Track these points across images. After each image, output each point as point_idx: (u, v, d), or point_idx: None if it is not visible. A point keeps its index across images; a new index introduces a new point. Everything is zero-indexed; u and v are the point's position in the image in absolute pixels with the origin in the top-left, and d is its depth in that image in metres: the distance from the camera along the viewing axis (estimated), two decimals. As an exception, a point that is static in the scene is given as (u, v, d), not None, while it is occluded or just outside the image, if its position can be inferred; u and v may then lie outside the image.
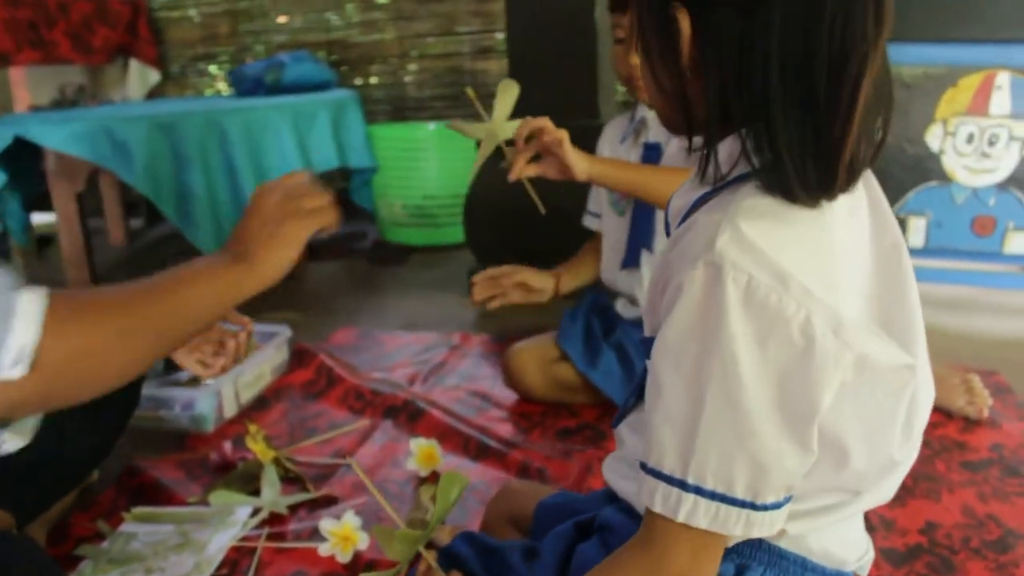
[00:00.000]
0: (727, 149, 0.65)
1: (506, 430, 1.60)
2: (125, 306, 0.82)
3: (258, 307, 2.37)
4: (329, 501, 1.38)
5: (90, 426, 1.23)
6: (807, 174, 0.60)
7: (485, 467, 1.47)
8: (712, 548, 0.64)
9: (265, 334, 1.91)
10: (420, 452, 1.45)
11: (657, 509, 0.63)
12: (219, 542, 1.24)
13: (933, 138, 2.02)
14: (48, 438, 1.15)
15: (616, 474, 0.84)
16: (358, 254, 3.04)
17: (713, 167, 0.66)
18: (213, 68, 3.83)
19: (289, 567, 1.21)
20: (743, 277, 0.59)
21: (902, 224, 2.08)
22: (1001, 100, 1.96)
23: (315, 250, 3.00)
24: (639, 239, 1.62)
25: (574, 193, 2.25)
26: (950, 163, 2.02)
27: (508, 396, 1.76)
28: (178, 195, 2.47)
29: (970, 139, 1.99)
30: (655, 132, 1.59)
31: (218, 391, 1.64)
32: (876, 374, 0.63)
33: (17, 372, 0.71)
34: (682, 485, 0.62)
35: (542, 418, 1.66)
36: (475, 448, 1.52)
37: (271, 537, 1.26)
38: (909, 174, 2.05)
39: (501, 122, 1.43)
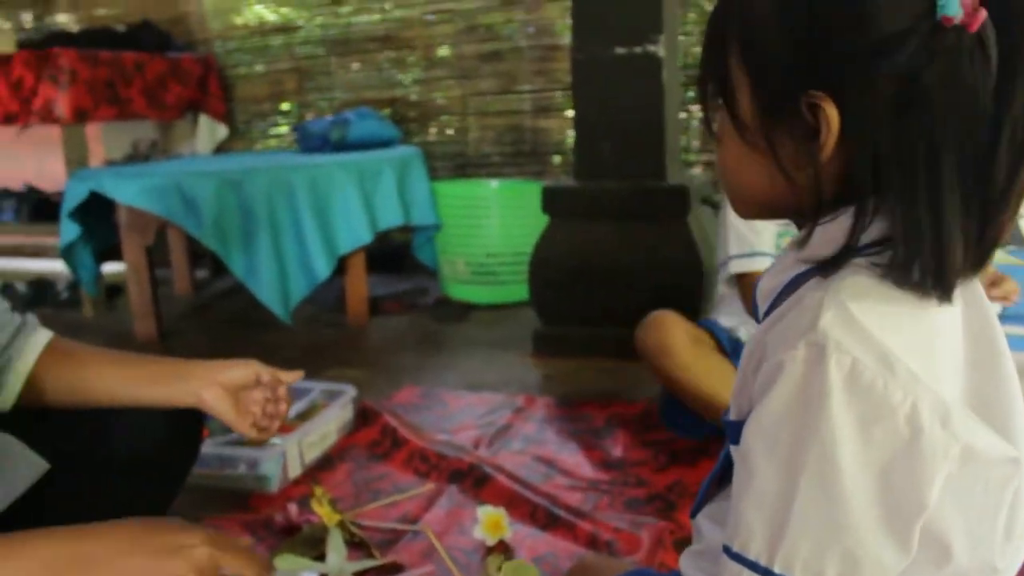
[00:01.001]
0: (833, 229, 0.62)
1: (574, 499, 1.56)
2: None
3: (322, 364, 2.39)
4: (395, 568, 1.36)
5: (148, 487, 1.22)
6: (952, 266, 0.57)
7: (554, 537, 1.44)
8: None
9: (331, 393, 1.91)
10: (487, 520, 1.41)
11: None
12: (285, 610, 1.22)
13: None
14: (104, 497, 1.14)
15: (698, 571, 0.79)
16: (420, 310, 3.04)
17: (815, 247, 0.63)
18: (279, 123, 3.90)
19: (356, 639, 1.18)
20: (847, 359, 0.56)
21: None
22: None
23: (377, 305, 3.01)
24: None
25: (640, 253, 2.24)
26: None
27: (575, 463, 1.72)
28: (245, 251, 2.50)
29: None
30: None
31: (283, 451, 1.63)
32: (980, 466, 0.59)
33: None
34: (767, 573, 0.59)
35: (610, 487, 1.62)
36: (543, 517, 1.49)
37: (337, 607, 1.24)
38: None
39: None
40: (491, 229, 2.99)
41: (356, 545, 1.41)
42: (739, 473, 0.63)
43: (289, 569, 1.31)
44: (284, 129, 3.90)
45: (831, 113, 0.58)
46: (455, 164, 3.60)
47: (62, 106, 3.00)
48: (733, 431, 0.69)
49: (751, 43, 0.64)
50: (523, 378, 2.28)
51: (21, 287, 3.38)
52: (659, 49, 2.20)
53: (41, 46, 3.21)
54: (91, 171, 2.84)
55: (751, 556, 0.59)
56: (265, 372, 1.14)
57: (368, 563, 1.35)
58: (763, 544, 0.59)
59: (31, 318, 1.13)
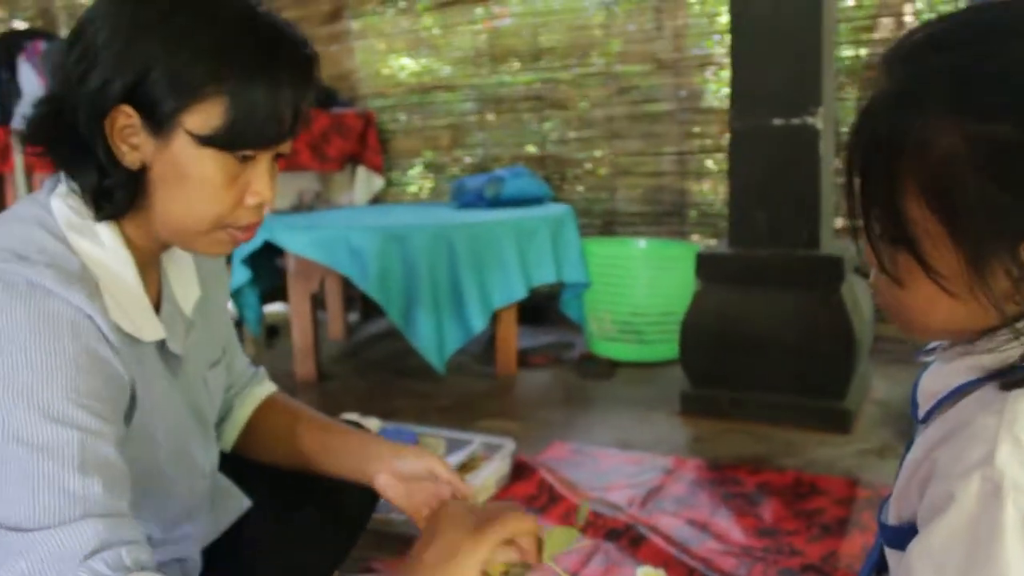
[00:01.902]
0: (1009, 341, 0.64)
1: (728, 564, 1.59)
2: None
3: (473, 416, 2.49)
4: (559, 623, 1.41)
5: (329, 539, 1.32)
6: None
7: (712, 602, 1.47)
8: None
9: (490, 446, 2.00)
10: (647, 579, 1.46)
11: None
12: (459, 655, 1.30)
13: None
14: (293, 541, 1.24)
15: None
16: (566, 364, 3.12)
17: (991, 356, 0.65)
18: (430, 176, 4.09)
19: None
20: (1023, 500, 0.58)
21: None
22: None
23: (524, 358, 3.10)
24: None
25: (792, 321, 2.25)
26: None
27: (727, 528, 1.75)
28: (405, 302, 2.64)
29: None
30: None
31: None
32: None
33: None
34: None
35: (764, 554, 1.64)
36: (700, 580, 1.53)
37: (508, 655, 1.30)
38: None
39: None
40: (638, 288, 3.05)
41: (522, 597, 1.48)
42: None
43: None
44: (431, 183, 4.09)
45: None
46: (604, 221, 3.69)
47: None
48: (890, 534, 0.72)
49: (945, 191, 0.62)
50: (671, 438, 2.32)
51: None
52: (817, 121, 2.23)
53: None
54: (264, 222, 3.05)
55: None
56: (443, 471, 1.10)
57: (534, 615, 1.42)
58: None
59: (262, 370, 1.25)
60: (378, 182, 3.99)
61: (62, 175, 0.89)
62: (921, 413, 0.74)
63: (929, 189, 0.62)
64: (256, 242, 2.87)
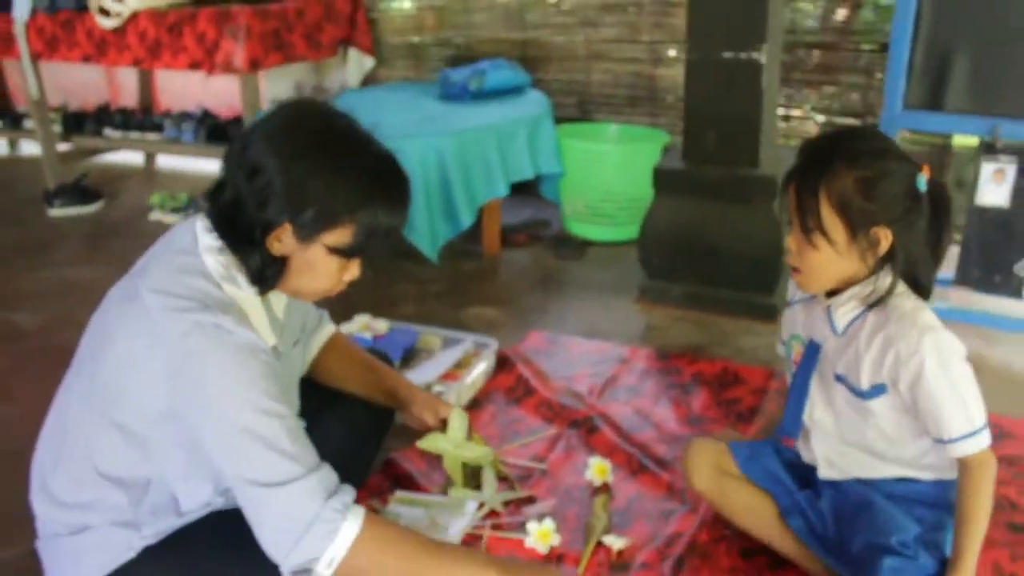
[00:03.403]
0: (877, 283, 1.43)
1: (661, 450, 2.08)
2: (414, 559, 1.31)
3: (462, 303, 2.93)
4: (529, 500, 1.92)
5: (362, 444, 1.82)
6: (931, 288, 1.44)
7: (642, 483, 1.97)
8: None
9: (479, 344, 2.45)
10: (595, 467, 1.96)
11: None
12: (456, 527, 1.80)
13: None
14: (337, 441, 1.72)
15: None
16: (544, 243, 3.54)
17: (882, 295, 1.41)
18: (419, 56, 4.34)
19: (504, 551, 1.75)
20: (942, 334, 1.38)
21: (1022, 282, 2.39)
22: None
23: (507, 237, 3.52)
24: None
25: (732, 229, 2.67)
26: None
27: (664, 417, 2.23)
28: (402, 202, 3.02)
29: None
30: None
31: (447, 400, 2.19)
32: None
33: (327, 572, 1.25)
34: (983, 428, 1.41)
35: (688, 441, 2.12)
36: (636, 465, 2.02)
37: (492, 527, 1.81)
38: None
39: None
40: (608, 176, 3.42)
41: (502, 479, 1.97)
42: (935, 402, 1.38)
43: (458, 497, 1.88)
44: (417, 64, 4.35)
45: (887, 234, 1.37)
46: (580, 101, 4.00)
47: (240, 59, 3.51)
48: (866, 394, 1.45)
49: (845, 205, 1.36)
50: (629, 327, 2.78)
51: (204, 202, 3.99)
52: (761, 56, 2.56)
53: (221, 3, 3.68)
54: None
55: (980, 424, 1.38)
56: (443, 410, 1.83)
57: (511, 494, 1.92)
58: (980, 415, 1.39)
59: (325, 314, 1.78)
60: (368, 62, 4.25)
61: (198, 227, 1.34)
62: (839, 329, 1.48)
63: (835, 201, 1.36)
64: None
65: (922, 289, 1.44)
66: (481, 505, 1.87)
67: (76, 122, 4.63)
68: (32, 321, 2.96)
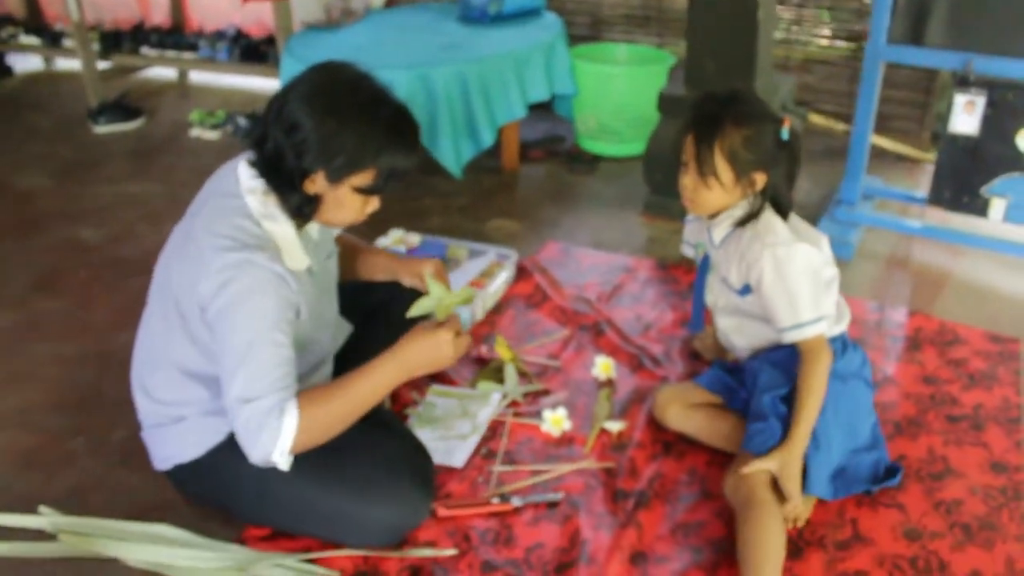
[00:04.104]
0: (747, 207, 1.83)
1: (657, 349, 2.42)
2: (340, 398, 1.60)
3: (484, 215, 3.24)
4: (545, 392, 2.26)
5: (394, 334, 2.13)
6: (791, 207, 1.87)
7: (640, 378, 2.31)
8: None
9: (501, 255, 2.77)
10: (601, 365, 2.30)
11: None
12: (484, 415, 2.15)
13: (1021, 140, 2.57)
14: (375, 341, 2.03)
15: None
16: (558, 158, 3.81)
17: (747, 216, 1.84)
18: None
19: (523, 435, 2.11)
20: (782, 248, 1.79)
21: (987, 203, 2.68)
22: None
23: (525, 152, 3.79)
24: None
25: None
26: (1031, 159, 2.59)
27: (661, 319, 2.56)
28: (428, 123, 3.29)
29: (1050, 141, 2.55)
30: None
31: (474, 305, 2.52)
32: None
33: (284, 463, 1.56)
34: (816, 321, 1.80)
35: (683, 344, 2.45)
36: (636, 362, 2.36)
37: (513, 415, 2.16)
38: (997, 165, 2.63)
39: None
40: (617, 95, 3.68)
41: (522, 375, 2.31)
42: (771, 300, 1.81)
43: (484, 390, 2.22)
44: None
45: (762, 176, 1.80)
46: (592, 21, 4.22)
47: (275, -17, 3.75)
48: (741, 290, 1.85)
49: (734, 156, 1.78)
50: (633, 238, 3.09)
51: (241, 119, 4.27)
52: (757, -9, 2.79)
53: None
54: (298, 55, 3.61)
55: (812, 317, 1.77)
56: (428, 268, 2.01)
57: (531, 387, 2.26)
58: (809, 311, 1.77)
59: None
60: (393, -18, 4.45)
61: (240, 171, 1.65)
62: (716, 242, 1.92)
63: (726, 153, 1.78)
64: (294, 70, 3.47)
65: (783, 209, 1.87)
66: (504, 396, 2.22)
67: (114, 41, 4.86)
68: (96, 236, 3.28)
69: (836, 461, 1.79)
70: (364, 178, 1.60)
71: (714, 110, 1.80)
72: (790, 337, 1.80)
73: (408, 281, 2.05)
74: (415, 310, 1.73)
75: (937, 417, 2.12)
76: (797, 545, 1.75)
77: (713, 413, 2.02)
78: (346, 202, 1.64)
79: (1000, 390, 2.20)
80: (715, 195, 1.84)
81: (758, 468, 1.72)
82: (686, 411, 2.03)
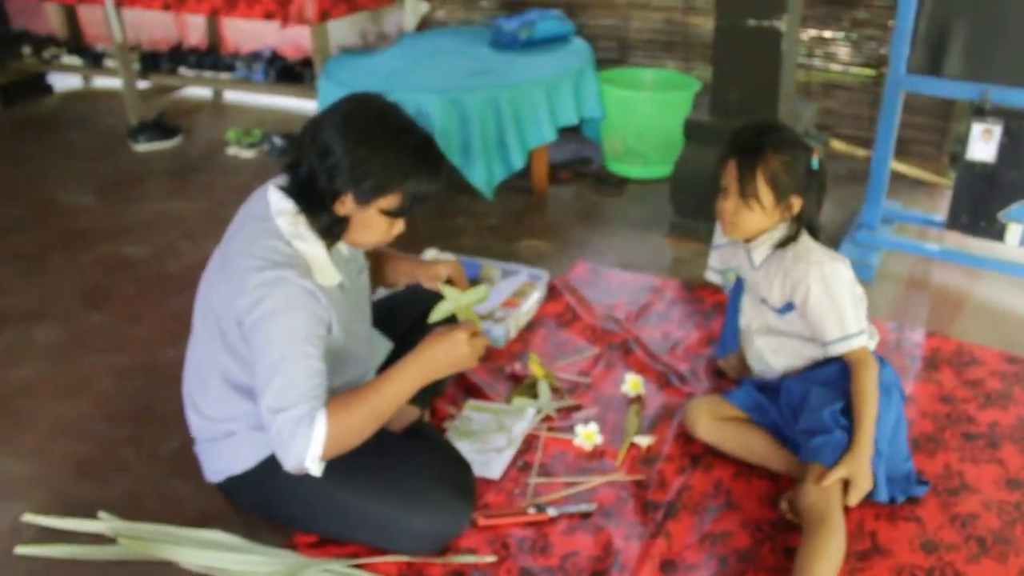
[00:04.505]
0: (784, 230, 1.98)
1: (683, 367, 2.52)
2: (366, 404, 1.69)
3: (515, 236, 3.35)
4: (577, 407, 2.37)
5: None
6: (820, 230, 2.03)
7: (668, 394, 2.41)
8: None
9: (533, 275, 2.88)
10: (630, 382, 2.41)
11: None
12: (519, 429, 2.26)
13: (1039, 166, 2.67)
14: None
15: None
16: (587, 180, 3.92)
17: (786, 239, 1.99)
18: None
19: (557, 448, 2.21)
20: (827, 265, 1.94)
21: (1004, 228, 2.77)
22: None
23: (554, 174, 3.91)
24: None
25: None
26: (1049, 186, 2.68)
27: (687, 338, 2.66)
28: (461, 147, 3.41)
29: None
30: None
31: (507, 324, 2.63)
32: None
33: (317, 469, 1.66)
34: (858, 334, 1.94)
35: (708, 362, 2.55)
36: (663, 380, 2.46)
37: (547, 429, 2.27)
38: (1013, 191, 2.72)
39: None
40: (644, 119, 3.79)
41: (555, 391, 2.42)
42: (818, 315, 1.94)
43: (519, 405, 2.33)
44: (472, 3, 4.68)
45: (798, 200, 1.95)
46: (620, 46, 4.34)
47: (311, 11, 3.89)
48: (782, 309, 2.03)
49: (775, 180, 1.93)
50: (659, 260, 3.19)
51: (277, 139, 4.40)
52: (782, 24, 2.89)
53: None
54: (335, 78, 3.74)
55: (857, 329, 1.91)
56: (443, 271, 2.11)
57: (563, 403, 2.37)
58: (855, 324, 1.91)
59: None
60: (424, 7, 4.58)
61: (270, 195, 1.76)
62: (756, 264, 2.05)
63: (768, 177, 1.93)
64: (334, 95, 3.59)
65: (814, 232, 2.02)
66: (538, 411, 2.32)
67: (152, 61, 5.02)
68: (141, 252, 3.41)
69: (885, 467, 1.91)
70: (391, 201, 1.71)
71: (754, 138, 1.95)
72: (838, 349, 1.93)
73: (428, 284, 2.14)
74: (435, 316, 1.84)
75: (954, 435, 2.21)
76: (819, 556, 1.84)
77: (743, 427, 2.12)
78: (373, 224, 1.75)
79: (1015, 409, 2.29)
80: (756, 218, 1.97)
81: (836, 477, 1.82)
82: (716, 423, 2.13)
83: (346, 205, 1.71)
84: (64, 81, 5.62)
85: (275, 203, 1.75)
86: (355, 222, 1.74)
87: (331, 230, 1.74)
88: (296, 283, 1.66)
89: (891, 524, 1.93)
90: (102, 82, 5.59)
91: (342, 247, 1.86)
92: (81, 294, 3.10)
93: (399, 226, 1.80)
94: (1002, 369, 2.46)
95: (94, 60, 5.23)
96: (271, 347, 1.64)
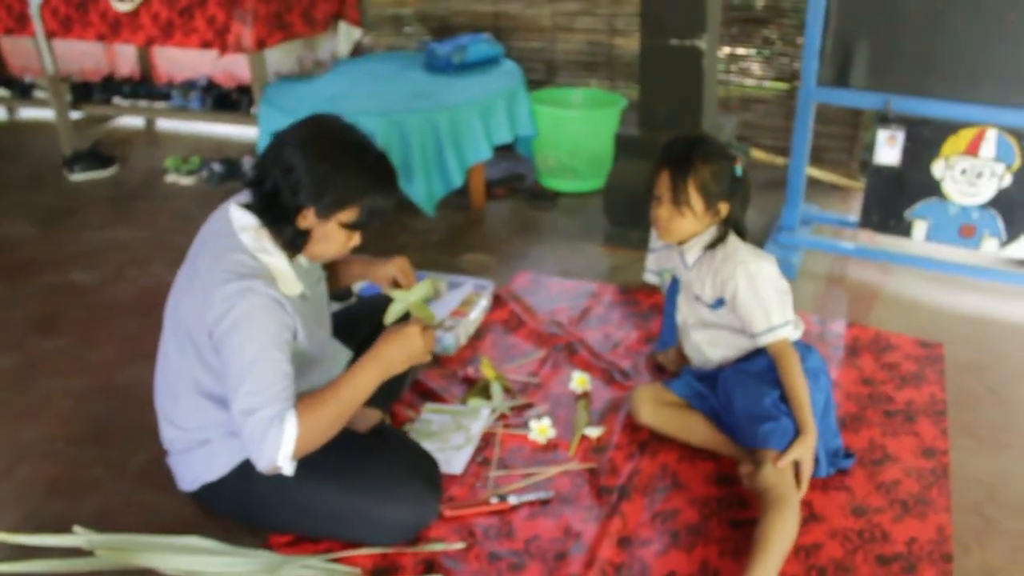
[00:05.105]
0: (714, 233, 2.10)
1: (625, 363, 2.68)
2: (332, 402, 1.78)
3: (457, 250, 3.49)
4: (529, 405, 2.51)
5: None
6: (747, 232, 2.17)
7: (612, 390, 2.57)
8: None
9: (478, 286, 3.02)
10: (577, 379, 2.56)
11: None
12: (476, 427, 2.38)
13: (936, 169, 2.91)
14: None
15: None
16: (521, 195, 4.08)
17: (715, 241, 2.15)
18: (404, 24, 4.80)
19: (513, 443, 2.35)
20: (753, 264, 2.09)
21: (911, 225, 3.00)
22: (988, 147, 2.83)
23: (490, 190, 4.06)
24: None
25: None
26: (947, 187, 2.91)
27: (627, 337, 2.83)
28: (402, 165, 3.54)
29: (963, 172, 2.88)
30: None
31: (457, 332, 2.76)
32: None
33: (289, 468, 1.74)
34: (783, 326, 2.11)
35: (648, 359, 2.72)
36: (608, 376, 2.61)
37: (503, 427, 2.40)
38: (917, 191, 2.97)
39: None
40: (574, 135, 3.97)
41: (507, 391, 2.56)
42: (746, 309, 2.10)
43: (475, 406, 2.46)
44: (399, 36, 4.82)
45: (726, 205, 2.12)
46: (547, 68, 4.53)
47: (248, 40, 3.97)
48: (714, 303, 2.12)
49: (705, 188, 2.09)
50: (597, 266, 3.36)
51: (216, 165, 4.46)
52: (702, 43, 3.10)
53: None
54: (276, 104, 3.84)
55: (782, 321, 2.07)
56: (399, 271, 2.23)
57: (516, 402, 2.51)
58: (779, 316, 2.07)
59: None
60: (356, 33, 4.70)
61: (231, 212, 1.87)
62: (689, 264, 2.21)
63: (698, 185, 2.09)
64: (272, 127, 3.69)
65: (741, 234, 2.18)
66: (493, 410, 2.46)
67: (84, 91, 5.03)
68: (89, 279, 3.43)
69: (820, 445, 2.09)
70: (350, 214, 1.83)
71: (684, 150, 2.11)
72: (764, 340, 2.09)
73: (378, 283, 2.27)
74: (389, 317, 1.99)
75: (875, 413, 2.42)
76: (760, 525, 2.02)
77: (683, 412, 2.29)
78: (332, 236, 1.87)
79: (928, 388, 2.52)
80: (688, 223, 2.13)
81: (790, 459, 1.98)
82: (659, 408, 2.30)
83: (308, 219, 1.82)
84: (-15, 114, 5.57)
85: (237, 219, 1.85)
86: (316, 235, 1.86)
87: (294, 242, 1.86)
88: (263, 292, 1.76)
89: (824, 494, 2.12)
90: (29, 113, 5.57)
91: (301, 259, 1.97)
92: (30, 322, 3.12)
93: (355, 239, 1.92)
94: (915, 353, 2.68)
95: (22, 91, 5.22)
96: (241, 353, 1.74)
